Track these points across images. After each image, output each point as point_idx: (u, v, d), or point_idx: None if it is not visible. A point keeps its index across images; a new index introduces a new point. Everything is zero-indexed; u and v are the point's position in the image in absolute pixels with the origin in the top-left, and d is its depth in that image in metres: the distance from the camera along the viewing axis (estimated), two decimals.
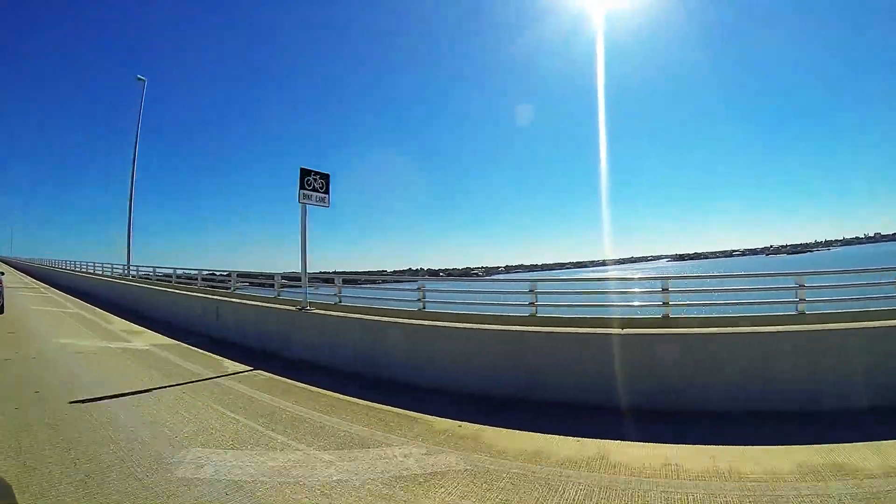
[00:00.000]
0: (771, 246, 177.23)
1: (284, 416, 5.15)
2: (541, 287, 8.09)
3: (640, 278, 9.87)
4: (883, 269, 6.90)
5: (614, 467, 3.79)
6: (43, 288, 24.69)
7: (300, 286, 9.30)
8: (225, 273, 15.57)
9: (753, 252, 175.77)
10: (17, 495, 2.00)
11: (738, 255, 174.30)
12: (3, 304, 14.17)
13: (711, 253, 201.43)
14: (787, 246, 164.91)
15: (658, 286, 7.19)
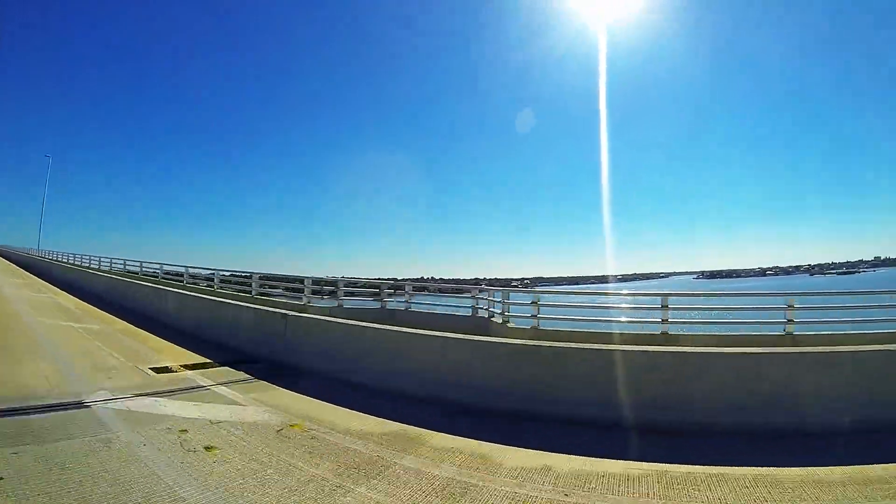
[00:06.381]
0: (799, 265, 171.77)
1: None
2: None
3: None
4: None
5: None
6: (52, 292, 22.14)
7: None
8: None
9: (786, 271, 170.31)
10: None
11: (772, 274, 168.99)
12: None
13: (743, 270, 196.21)
14: (833, 264, 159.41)
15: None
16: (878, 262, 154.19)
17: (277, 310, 10.16)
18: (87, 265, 27.33)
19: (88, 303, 16.82)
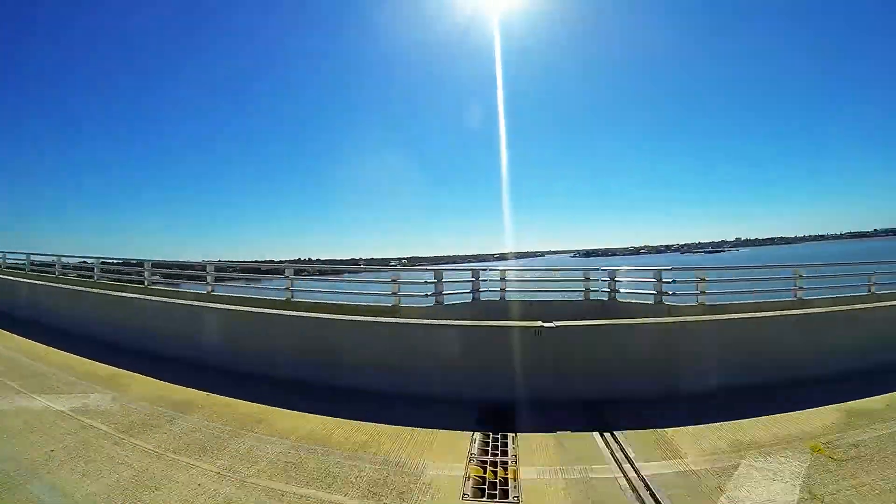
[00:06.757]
0: (670, 244, 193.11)
1: None
2: None
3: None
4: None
5: None
6: None
7: None
8: None
9: (658, 250, 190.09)
10: None
11: (645, 253, 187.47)
12: None
13: (619, 249, 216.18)
14: (700, 244, 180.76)
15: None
16: (739, 243, 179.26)
17: (526, 323, 6.25)
18: None
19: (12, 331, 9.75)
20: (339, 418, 5.23)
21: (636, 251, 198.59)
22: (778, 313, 6.76)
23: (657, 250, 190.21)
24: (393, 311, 9.91)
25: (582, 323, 6.08)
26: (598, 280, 11.34)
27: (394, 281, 9.93)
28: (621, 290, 10.91)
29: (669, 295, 10.16)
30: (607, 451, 4.41)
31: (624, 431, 4.77)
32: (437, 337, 6.25)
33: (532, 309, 10.90)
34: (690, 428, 4.80)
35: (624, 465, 4.12)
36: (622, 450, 4.40)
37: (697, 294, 10.03)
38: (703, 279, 10.07)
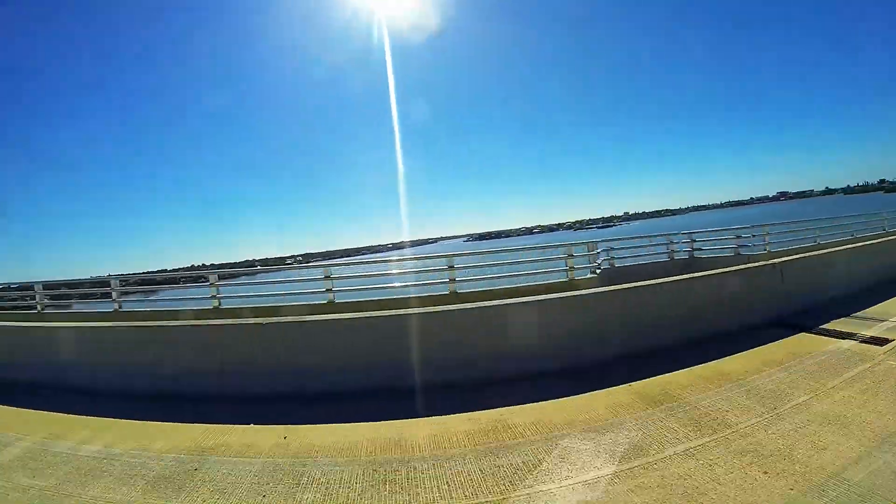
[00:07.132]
0: (562, 223, 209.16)
1: None
2: None
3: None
4: None
5: None
6: None
7: None
8: None
9: (550, 228, 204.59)
10: None
11: (538, 232, 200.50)
12: None
13: (513, 230, 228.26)
14: (592, 220, 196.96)
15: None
16: (627, 217, 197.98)
17: (762, 263, 11.24)
18: None
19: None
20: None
21: (529, 231, 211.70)
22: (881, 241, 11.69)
23: (550, 229, 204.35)
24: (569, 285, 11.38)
25: (798, 256, 9.32)
26: (662, 245, 14.00)
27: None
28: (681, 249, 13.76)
29: (748, 247, 13.18)
30: (854, 326, 7.57)
31: (850, 316, 8.24)
32: (724, 285, 8.34)
33: (641, 270, 13.15)
34: (875, 307, 8.70)
35: (877, 325, 7.59)
36: (864, 323, 7.81)
37: (765, 245, 13.17)
38: (768, 233, 13.24)
